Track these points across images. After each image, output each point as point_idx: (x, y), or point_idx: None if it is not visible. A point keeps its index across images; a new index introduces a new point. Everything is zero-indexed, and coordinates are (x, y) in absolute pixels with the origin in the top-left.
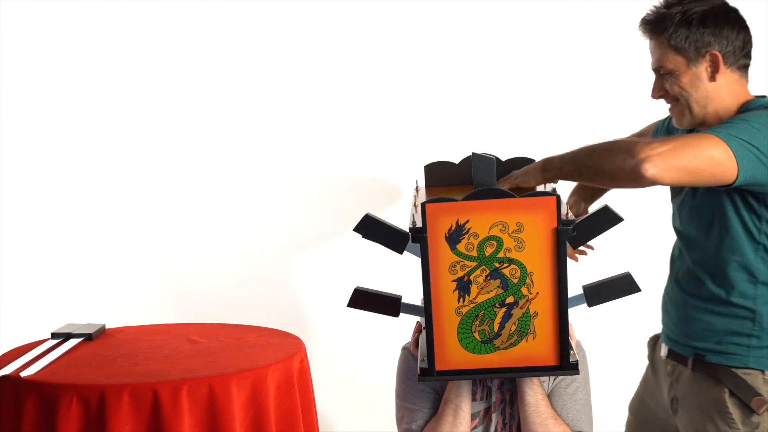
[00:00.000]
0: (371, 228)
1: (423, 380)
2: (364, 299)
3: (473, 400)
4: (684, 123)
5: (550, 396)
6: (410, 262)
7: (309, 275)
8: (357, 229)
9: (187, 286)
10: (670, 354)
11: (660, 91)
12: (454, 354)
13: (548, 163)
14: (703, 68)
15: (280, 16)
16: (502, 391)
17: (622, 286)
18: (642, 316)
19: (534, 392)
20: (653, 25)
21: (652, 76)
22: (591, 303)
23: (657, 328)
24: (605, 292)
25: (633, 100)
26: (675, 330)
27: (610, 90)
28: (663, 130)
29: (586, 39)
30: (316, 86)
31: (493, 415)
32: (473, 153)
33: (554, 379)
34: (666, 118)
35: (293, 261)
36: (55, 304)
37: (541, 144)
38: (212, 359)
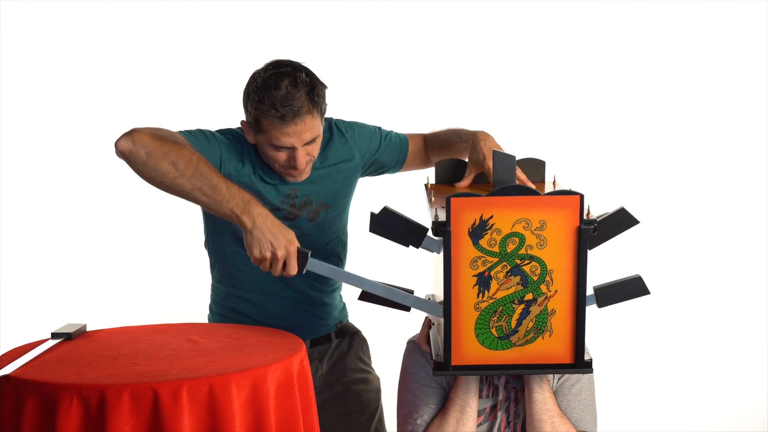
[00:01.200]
0: (389, 221)
1: (438, 374)
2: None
3: (480, 397)
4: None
5: (554, 395)
6: (414, 261)
7: None
8: (373, 221)
9: (187, 286)
10: None
11: (306, 158)
12: (470, 349)
13: None
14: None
15: (283, 16)
16: (507, 389)
17: (632, 288)
18: (646, 319)
19: (543, 390)
20: (313, 103)
21: (657, 77)
22: (601, 304)
23: (660, 330)
24: (616, 294)
25: (639, 100)
26: None
27: (619, 90)
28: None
29: (595, 41)
30: (327, 83)
31: (499, 413)
32: (494, 151)
33: (559, 379)
34: None
35: None
36: (55, 304)
37: (552, 144)
38: (212, 359)
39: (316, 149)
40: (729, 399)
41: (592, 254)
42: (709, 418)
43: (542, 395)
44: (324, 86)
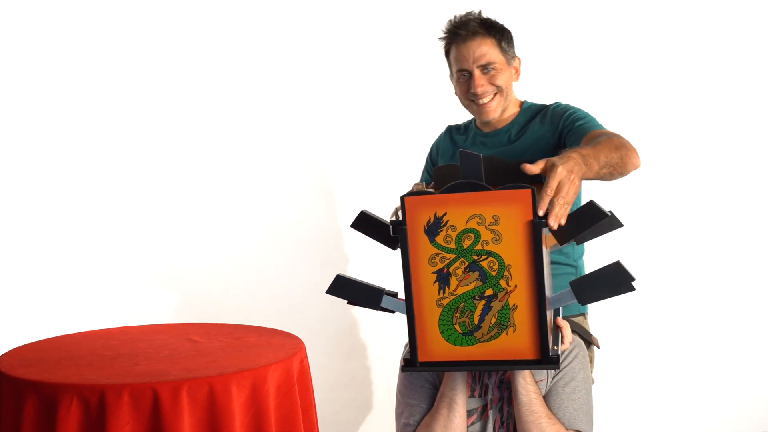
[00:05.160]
0: (366, 224)
1: (406, 371)
2: (345, 287)
3: (471, 396)
4: (497, 113)
5: (548, 395)
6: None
7: (309, 275)
8: (354, 225)
9: (187, 286)
10: None
11: (485, 85)
12: (436, 346)
13: (585, 162)
14: (512, 69)
15: (282, 16)
16: (500, 389)
17: (613, 277)
18: (646, 318)
19: (527, 391)
20: (486, 28)
21: (658, 76)
22: (583, 300)
23: (660, 330)
24: (596, 286)
25: (639, 99)
26: None
27: (619, 90)
28: (447, 148)
29: (594, 41)
30: (319, 87)
31: (490, 413)
32: (460, 150)
33: (552, 378)
34: (437, 140)
35: (293, 261)
36: (55, 305)
37: None
38: (212, 359)
39: (502, 81)
40: (729, 399)
41: (590, 254)
42: (709, 418)
43: (527, 396)
44: (509, 32)
